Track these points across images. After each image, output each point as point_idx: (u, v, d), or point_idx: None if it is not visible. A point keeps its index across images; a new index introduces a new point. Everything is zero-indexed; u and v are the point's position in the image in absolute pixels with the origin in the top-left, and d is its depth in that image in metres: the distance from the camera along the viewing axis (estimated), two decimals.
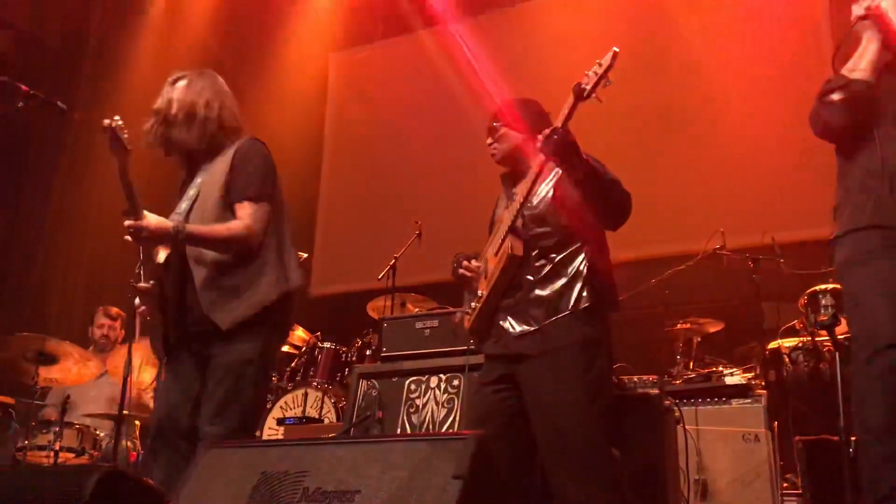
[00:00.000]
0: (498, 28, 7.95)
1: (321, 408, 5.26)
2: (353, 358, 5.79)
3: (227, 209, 2.81)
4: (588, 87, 2.38)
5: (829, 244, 2.51)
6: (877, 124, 2.37)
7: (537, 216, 2.68)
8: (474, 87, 7.59)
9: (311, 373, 5.75)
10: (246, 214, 2.79)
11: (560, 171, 2.64)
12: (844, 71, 2.41)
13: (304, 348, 6.00)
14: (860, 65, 2.40)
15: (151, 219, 2.70)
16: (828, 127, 2.43)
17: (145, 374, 4.96)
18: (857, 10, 2.46)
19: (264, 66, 8.54)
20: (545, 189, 2.70)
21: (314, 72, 8.71)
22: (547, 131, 2.47)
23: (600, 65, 2.38)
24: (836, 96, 2.38)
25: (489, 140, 2.88)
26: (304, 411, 5.24)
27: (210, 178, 2.88)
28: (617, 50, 2.37)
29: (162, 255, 2.82)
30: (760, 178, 6.29)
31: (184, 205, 2.89)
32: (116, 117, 2.71)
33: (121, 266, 7.59)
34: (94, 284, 7.73)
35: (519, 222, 2.66)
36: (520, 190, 2.66)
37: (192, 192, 2.90)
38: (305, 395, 5.35)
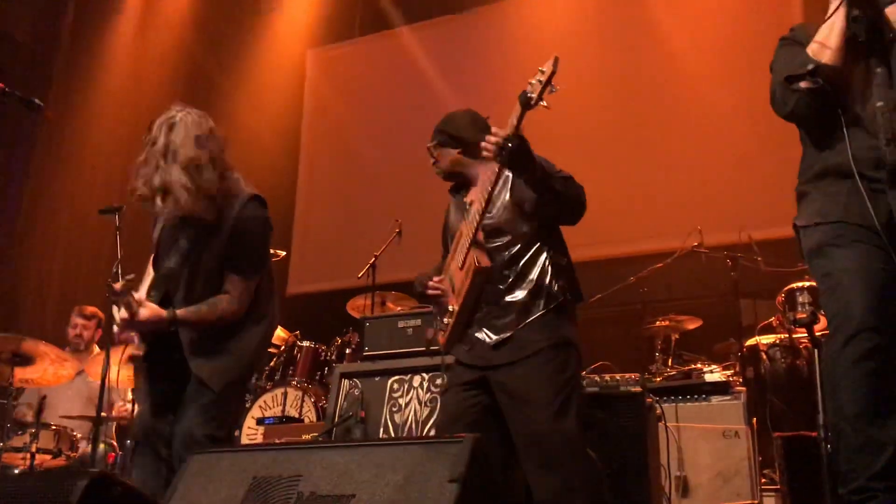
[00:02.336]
0: (476, 27, 7.96)
1: (301, 407, 5.24)
2: (333, 357, 5.76)
3: (220, 274, 2.82)
4: (534, 96, 2.40)
5: (794, 228, 2.45)
6: (843, 106, 2.29)
7: (496, 225, 2.71)
8: (453, 84, 7.61)
9: (291, 372, 5.72)
10: (236, 291, 2.80)
11: (512, 177, 2.67)
12: (813, 47, 2.30)
13: (282, 347, 5.96)
14: (829, 42, 2.28)
15: (144, 312, 2.71)
16: (794, 114, 2.36)
17: (123, 376, 4.90)
18: None
19: (242, 63, 8.50)
20: (502, 196, 2.73)
21: (292, 68, 8.66)
22: (499, 139, 2.47)
23: (543, 72, 2.40)
24: (804, 84, 2.29)
25: (432, 159, 2.92)
26: (283, 410, 5.21)
27: (206, 241, 2.81)
28: (558, 57, 2.39)
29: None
30: (737, 176, 6.35)
31: (173, 260, 2.85)
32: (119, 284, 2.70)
33: (95, 264, 7.54)
34: (68, 283, 7.64)
35: (480, 234, 2.67)
36: (476, 201, 2.68)
37: (182, 243, 2.84)
38: (285, 394, 5.32)
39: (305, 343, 5.84)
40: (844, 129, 2.28)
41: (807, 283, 4.68)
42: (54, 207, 7.79)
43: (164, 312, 2.73)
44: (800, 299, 4.63)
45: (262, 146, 8.06)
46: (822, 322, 4.49)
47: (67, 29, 8.19)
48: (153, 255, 3.00)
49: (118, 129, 7.69)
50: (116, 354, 4.02)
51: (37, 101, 3.30)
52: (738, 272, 5.16)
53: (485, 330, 2.69)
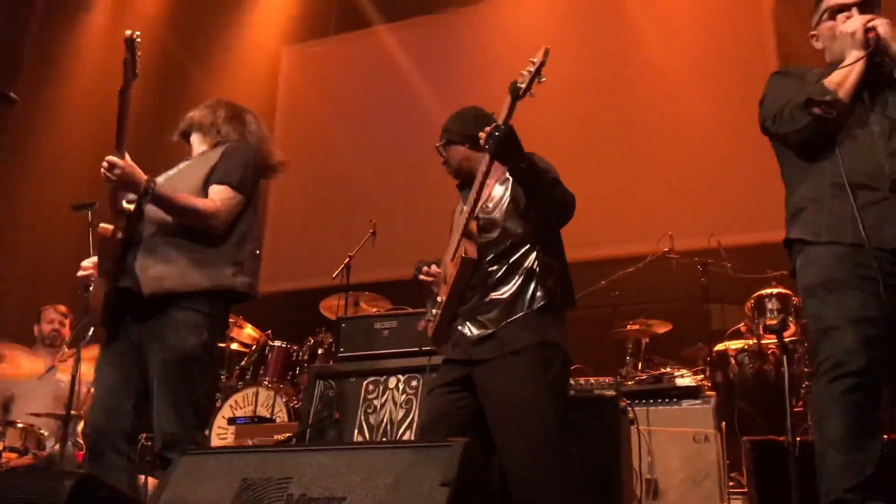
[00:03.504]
0: (453, 27, 7.99)
1: (272, 407, 5.21)
2: (305, 357, 5.75)
3: (204, 191, 2.80)
4: (523, 86, 2.45)
5: (786, 245, 2.56)
6: (836, 129, 2.42)
7: (490, 220, 2.72)
8: (428, 85, 7.63)
9: (262, 371, 5.69)
10: (219, 197, 2.78)
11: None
12: (832, 81, 2.43)
13: (254, 346, 5.93)
14: (845, 85, 2.41)
15: (130, 161, 2.64)
16: (798, 133, 2.45)
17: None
18: (850, 26, 2.45)
19: (217, 58, 8.42)
20: (501, 193, 2.75)
21: (266, 65, 8.62)
22: (489, 128, 2.52)
23: (533, 63, 2.46)
24: (817, 110, 2.40)
25: (443, 158, 2.98)
26: (255, 410, 5.18)
27: (194, 165, 2.92)
28: (548, 48, 2.45)
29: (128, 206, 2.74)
30: (708, 183, 6.45)
31: (160, 178, 2.83)
32: (138, 32, 2.64)
33: (62, 262, 7.41)
34: (33, 282, 7.51)
35: (473, 226, 2.69)
36: (470, 194, 2.71)
37: (172, 171, 2.93)
38: (256, 394, 5.30)
39: (277, 343, 5.82)
40: (838, 150, 2.40)
41: (775, 290, 4.78)
42: (18, 201, 7.65)
43: (143, 174, 2.65)
44: (769, 306, 4.72)
45: None
46: (791, 328, 4.62)
47: (37, 21, 8.06)
48: None
49: (87, 123, 7.58)
50: (87, 353, 3.98)
51: (12, 94, 3.25)
52: (708, 278, 5.26)
53: (468, 324, 2.70)
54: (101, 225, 2.74)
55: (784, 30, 6.45)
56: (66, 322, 5.41)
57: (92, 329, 3.62)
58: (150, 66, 8.12)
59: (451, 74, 7.68)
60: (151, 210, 2.74)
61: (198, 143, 3.08)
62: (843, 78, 2.41)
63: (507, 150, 2.52)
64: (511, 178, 2.70)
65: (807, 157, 2.51)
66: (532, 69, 2.45)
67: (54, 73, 7.81)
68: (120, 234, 2.71)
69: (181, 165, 3.00)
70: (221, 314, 2.84)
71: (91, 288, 2.85)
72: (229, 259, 2.79)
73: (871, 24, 2.42)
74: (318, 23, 8.62)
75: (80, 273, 2.92)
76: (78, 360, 3.91)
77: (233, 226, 2.83)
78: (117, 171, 2.60)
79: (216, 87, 8.20)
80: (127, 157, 2.64)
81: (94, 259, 2.88)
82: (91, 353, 3.99)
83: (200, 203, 2.74)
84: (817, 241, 2.41)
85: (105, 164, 2.61)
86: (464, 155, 2.89)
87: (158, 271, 2.66)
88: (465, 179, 2.93)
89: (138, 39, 2.63)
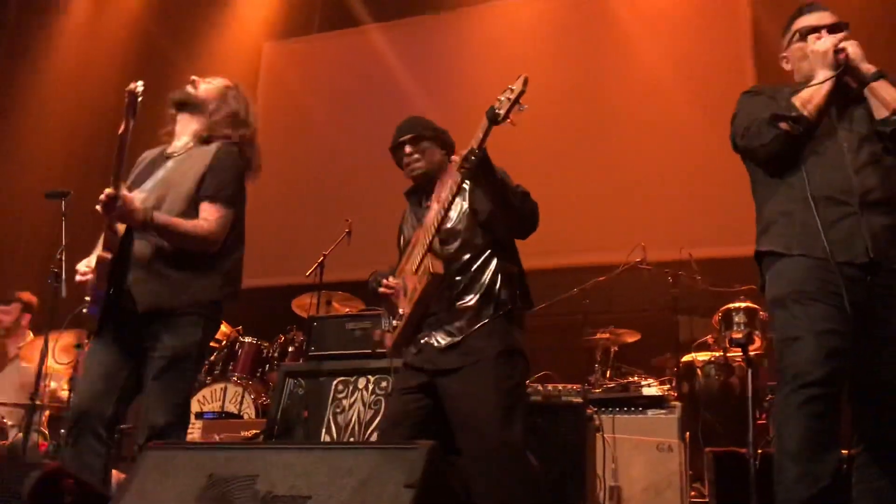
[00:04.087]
0: (437, 30, 8.01)
1: (241, 403, 5.20)
2: (275, 354, 5.74)
3: (193, 204, 2.80)
4: (501, 113, 2.45)
5: (756, 259, 2.60)
6: (805, 144, 2.48)
7: (450, 233, 2.76)
8: (408, 87, 7.64)
9: (231, 367, 5.68)
10: (213, 217, 2.79)
11: (470, 186, 2.73)
12: (800, 99, 2.48)
13: (224, 342, 5.91)
14: (813, 102, 2.47)
15: (129, 196, 2.67)
16: (764, 148, 2.51)
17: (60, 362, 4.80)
18: (821, 46, 2.52)
19: (201, 46, 8.39)
20: (459, 205, 2.78)
21: (248, 58, 8.59)
22: (464, 152, 2.54)
23: (512, 90, 2.45)
24: (784, 125, 2.46)
25: (414, 154, 2.89)
26: (223, 406, 5.17)
27: (183, 168, 2.87)
28: (527, 77, 2.45)
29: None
30: (681, 196, 6.52)
31: (149, 184, 2.85)
32: (140, 83, 2.65)
33: (32, 249, 7.33)
34: (2, 270, 7.43)
35: (436, 241, 2.71)
36: (434, 209, 2.73)
37: (160, 173, 2.88)
38: (225, 389, 5.28)
39: (248, 339, 5.81)
40: (804, 166, 2.45)
41: (743, 304, 4.85)
42: None
43: (142, 207, 2.68)
44: (736, 319, 4.79)
45: None
46: (757, 342, 4.69)
47: (14, 9, 7.97)
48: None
49: (61, 112, 7.51)
50: (54, 340, 3.95)
51: None
52: (678, 289, 5.32)
53: (434, 334, 2.73)
54: (100, 253, 2.75)
55: (762, 48, 6.55)
56: (13, 309, 5.32)
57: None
58: (130, 53, 8.10)
59: (432, 77, 7.70)
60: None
61: (185, 123, 3.01)
62: (812, 95, 2.47)
63: (483, 173, 2.56)
64: (468, 190, 2.74)
65: (775, 173, 2.55)
66: (511, 96, 2.44)
67: (29, 63, 7.72)
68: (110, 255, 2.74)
69: (169, 165, 2.92)
70: (215, 315, 2.91)
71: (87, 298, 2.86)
72: (220, 270, 2.85)
73: (841, 45, 2.49)
74: (303, 19, 8.60)
75: (79, 278, 2.90)
76: (46, 347, 3.89)
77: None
78: (119, 209, 2.63)
79: (201, 75, 8.17)
80: (124, 189, 2.66)
81: (89, 261, 2.89)
82: (65, 340, 3.97)
83: (198, 229, 2.76)
84: (789, 253, 2.45)
85: (104, 197, 2.62)
86: (440, 160, 2.90)
87: (153, 288, 2.72)
88: (421, 185, 2.93)
89: (141, 91, 2.64)
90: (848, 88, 2.55)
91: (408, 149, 2.88)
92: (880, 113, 2.45)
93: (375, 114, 7.77)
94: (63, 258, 3.92)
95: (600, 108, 7.09)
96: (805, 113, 2.45)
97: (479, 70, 7.39)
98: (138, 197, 2.75)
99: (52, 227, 4.05)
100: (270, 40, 8.72)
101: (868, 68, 2.49)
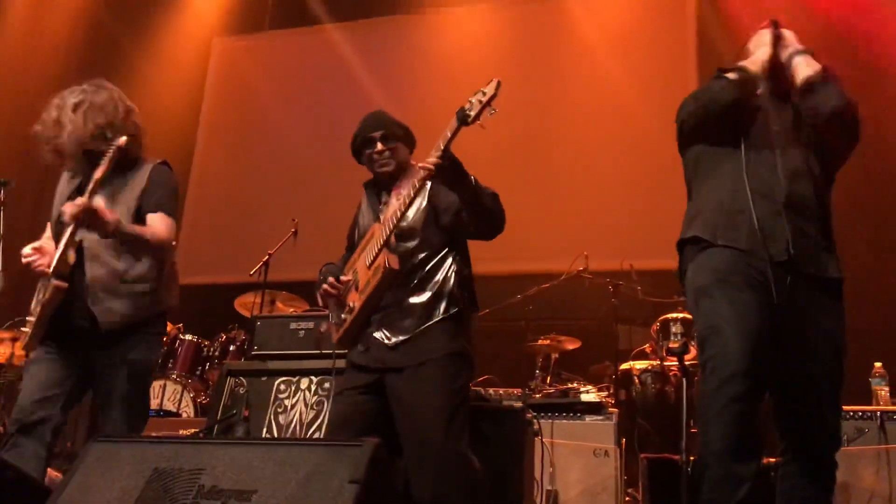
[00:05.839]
0: (386, 34, 8.03)
1: (179, 401, 5.14)
2: (216, 353, 5.68)
3: (137, 221, 2.85)
4: (472, 114, 2.49)
5: (679, 247, 2.62)
6: (745, 136, 2.56)
7: (408, 230, 2.77)
8: (358, 87, 7.65)
9: (170, 364, 5.60)
10: (164, 225, 2.86)
11: (431, 185, 2.75)
12: (741, 63, 2.63)
13: (164, 339, 5.82)
14: (756, 62, 2.63)
15: (98, 200, 2.71)
16: (712, 102, 2.57)
17: None
18: (763, 33, 2.71)
19: (153, 37, 8.28)
20: (419, 203, 2.80)
21: (199, 52, 8.51)
22: (434, 152, 2.56)
23: (484, 93, 2.49)
24: (731, 75, 2.57)
25: (385, 152, 2.88)
26: (161, 404, 5.10)
27: (123, 188, 2.88)
28: (499, 81, 2.50)
29: (72, 253, 2.78)
30: (623, 208, 6.67)
31: (97, 199, 2.80)
32: (124, 139, 2.77)
33: None
34: None
35: (393, 237, 2.73)
36: (394, 206, 2.74)
37: (98, 199, 2.83)
38: (164, 387, 5.21)
39: (188, 336, 5.74)
40: (743, 160, 2.52)
41: (680, 315, 4.98)
42: None
43: (113, 215, 2.71)
44: (673, 329, 4.89)
45: (159, 123, 7.88)
46: (692, 352, 4.81)
47: None
48: (52, 222, 2.96)
49: (1, 100, 7.32)
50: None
51: None
52: (619, 298, 5.44)
53: (384, 330, 2.74)
54: (55, 283, 2.73)
55: (706, 69, 6.73)
56: None
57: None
58: (80, 39, 7.94)
59: (382, 78, 7.71)
60: (92, 245, 2.80)
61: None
62: (754, 59, 2.64)
63: (455, 173, 2.59)
64: (428, 187, 2.77)
65: (719, 137, 2.60)
66: (483, 99, 2.47)
67: None
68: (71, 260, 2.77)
69: (106, 191, 2.87)
70: (163, 328, 3.06)
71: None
72: (164, 281, 2.93)
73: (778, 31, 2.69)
74: (254, 17, 8.54)
75: (25, 261, 2.87)
76: None
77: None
78: (90, 213, 2.65)
79: (151, 66, 8.06)
80: (96, 199, 2.70)
81: (37, 244, 2.89)
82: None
83: (160, 234, 2.85)
84: (713, 242, 2.49)
85: (76, 206, 2.64)
86: (406, 158, 2.91)
87: (112, 307, 2.78)
88: (384, 178, 2.93)
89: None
90: (786, 97, 2.65)
91: (380, 146, 2.87)
92: (799, 80, 2.59)
93: (325, 113, 7.77)
94: (0, 248, 3.83)
95: (548, 118, 7.20)
96: (748, 65, 2.60)
97: (433, 75, 7.45)
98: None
99: None
100: (221, 35, 8.64)
101: (798, 47, 2.64)
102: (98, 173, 2.70)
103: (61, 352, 2.82)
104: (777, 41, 2.66)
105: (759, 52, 2.67)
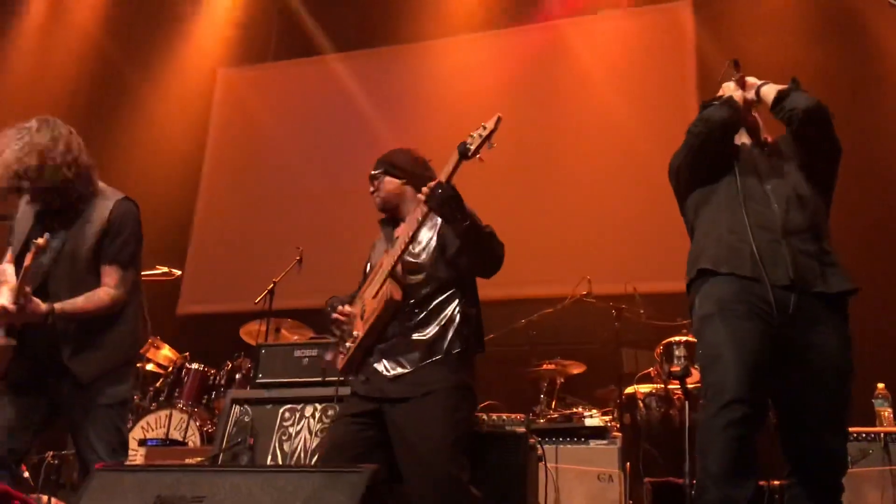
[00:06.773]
0: (390, 64, 8.12)
1: (185, 430, 5.15)
2: (222, 381, 5.70)
3: (94, 270, 2.87)
4: (472, 148, 2.54)
5: (687, 286, 2.72)
6: (736, 174, 2.69)
7: (416, 264, 2.80)
8: (362, 117, 7.74)
9: (177, 394, 5.62)
10: (113, 281, 2.87)
11: (441, 221, 2.79)
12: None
13: (170, 368, 5.85)
14: (730, 90, 2.83)
15: (29, 299, 2.70)
16: (710, 121, 2.72)
17: None
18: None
19: (157, 67, 8.38)
20: (428, 238, 2.84)
21: (203, 83, 8.60)
22: (432, 184, 2.61)
23: (485, 128, 2.54)
24: (716, 102, 2.79)
25: (371, 188, 3.00)
26: (167, 433, 5.11)
27: (79, 235, 2.88)
28: (500, 116, 2.54)
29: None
30: (626, 232, 6.69)
31: (46, 258, 2.83)
32: (47, 235, 2.73)
33: None
34: None
35: (399, 268, 2.77)
36: (401, 237, 2.78)
37: (55, 243, 2.85)
38: (170, 416, 5.22)
39: (194, 365, 5.76)
40: (740, 196, 2.64)
41: (683, 338, 4.98)
42: None
43: (43, 305, 2.72)
44: (676, 353, 4.91)
45: (165, 152, 7.99)
46: (695, 375, 4.82)
47: None
48: (14, 253, 2.93)
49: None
50: None
51: None
52: (622, 322, 5.44)
53: (385, 362, 2.76)
54: (3, 340, 2.76)
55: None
56: None
57: None
58: (86, 69, 8.04)
59: (384, 106, 7.79)
60: (56, 293, 2.82)
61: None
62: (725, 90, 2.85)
63: (451, 208, 2.62)
64: (439, 225, 2.81)
65: (708, 177, 2.75)
66: (483, 133, 2.53)
67: None
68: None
69: (62, 234, 2.88)
70: (136, 361, 3.28)
71: None
72: (132, 324, 2.98)
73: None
74: (258, 47, 8.65)
75: None
76: None
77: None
78: (25, 320, 2.70)
79: (157, 97, 8.14)
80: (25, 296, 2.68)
81: None
82: None
83: (104, 299, 2.84)
84: (717, 270, 2.58)
85: (9, 306, 2.66)
86: (397, 189, 2.95)
87: (88, 359, 2.83)
88: (390, 214, 3.00)
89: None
90: (762, 141, 2.82)
91: (370, 183, 3.00)
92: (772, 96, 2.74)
93: (328, 142, 7.85)
94: None
95: (549, 144, 7.25)
96: (725, 92, 2.80)
97: (435, 104, 7.52)
98: (35, 300, 2.73)
99: None
100: (225, 66, 8.75)
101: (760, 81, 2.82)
102: (27, 261, 2.68)
103: (26, 384, 2.83)
104: (741, 84, 2.83)
105: (728, 92, 2.85)
